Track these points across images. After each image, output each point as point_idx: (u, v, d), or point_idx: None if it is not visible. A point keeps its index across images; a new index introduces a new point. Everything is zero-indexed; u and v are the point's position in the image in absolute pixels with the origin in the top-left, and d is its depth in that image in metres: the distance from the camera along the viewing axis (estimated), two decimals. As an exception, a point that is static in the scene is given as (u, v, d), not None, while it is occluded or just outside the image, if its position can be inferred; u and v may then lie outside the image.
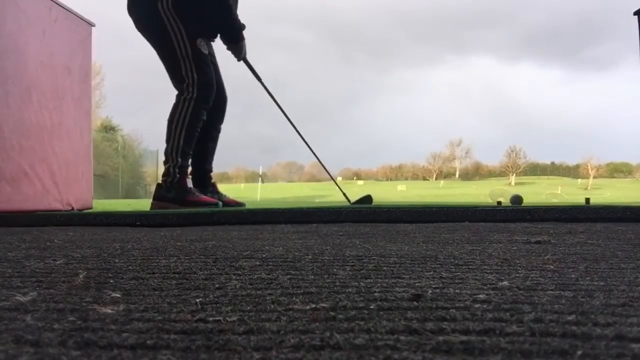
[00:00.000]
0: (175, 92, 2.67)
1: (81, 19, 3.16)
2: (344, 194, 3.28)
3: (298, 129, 3.16)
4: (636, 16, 2.88)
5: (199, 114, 2.62)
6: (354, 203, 3.13)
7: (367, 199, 3.20)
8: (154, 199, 2.68)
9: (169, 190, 2.62)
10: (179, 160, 2.61)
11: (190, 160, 2.71)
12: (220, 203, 2.74)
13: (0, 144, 2.46)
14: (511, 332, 0.40)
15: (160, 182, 2.68)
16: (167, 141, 2.64)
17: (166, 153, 2.65)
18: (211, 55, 2.76)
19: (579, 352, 0.35)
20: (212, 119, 2.75)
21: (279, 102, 3.08)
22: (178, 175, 2.61)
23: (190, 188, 2.66)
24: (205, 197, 2.71)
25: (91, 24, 3.28)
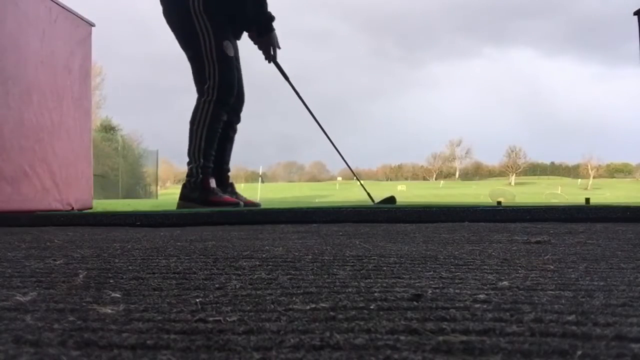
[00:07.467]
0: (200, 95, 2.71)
1: (81, 19, 3.16)
2: (368, 194, 3.30)
3: (324, 129, 3.17)
4: (636, 16, 2.88)
5: (218, 116, 2.68)
6: (378, 203, 3.11)
7: (392, 199, 3.18)
8: (180, 199, 2.74)
9: (193, 190, 2.68)
10: (201, 160, 2.68)
11: (212, 161, 2.76)
12: (242, 203, 2.77)
13: (0, 144, 2.46)
14: (511, 332, 0.40)
15: (184, 182, 2.74)
16: (190, 142, 2.70)
17: (189, 154, 2.71)
18: (236, 58, 2.81)
19: (579, 352, 0.35)
20: (229, 119, 2.80)
21: (304, 100, 3.08)
22: (201, 176, 2.67)
23: (214, 188, 2.70)
24: (227, 197, 2.75)
25: (91, 24, 3.28)
